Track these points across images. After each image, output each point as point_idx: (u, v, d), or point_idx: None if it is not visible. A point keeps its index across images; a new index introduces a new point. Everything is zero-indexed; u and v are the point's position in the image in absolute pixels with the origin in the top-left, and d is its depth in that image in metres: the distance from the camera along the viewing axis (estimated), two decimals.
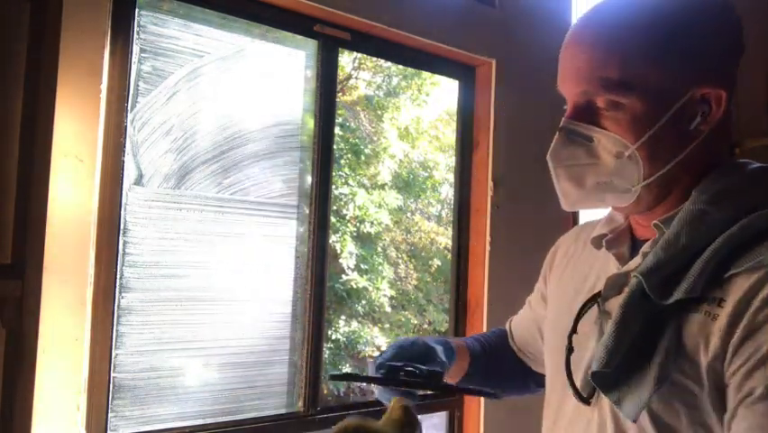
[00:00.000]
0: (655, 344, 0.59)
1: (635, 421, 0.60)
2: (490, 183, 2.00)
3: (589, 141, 0.66)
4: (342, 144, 6.62)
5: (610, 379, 0.62)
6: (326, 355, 6.05)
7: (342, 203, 6.36)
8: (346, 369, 6.27)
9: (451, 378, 0.93)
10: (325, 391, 6.02)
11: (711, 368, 0.56)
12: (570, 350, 0.71)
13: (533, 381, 1.01)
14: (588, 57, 0.65)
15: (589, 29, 0.66)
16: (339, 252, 6.22)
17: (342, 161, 6.58)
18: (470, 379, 0.96)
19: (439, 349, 0.85)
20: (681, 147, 0.64)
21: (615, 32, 0.64)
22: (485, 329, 1.97)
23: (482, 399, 1.95)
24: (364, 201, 6.40)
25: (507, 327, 1.07)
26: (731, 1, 0.67)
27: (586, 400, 0.67)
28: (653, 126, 0.63)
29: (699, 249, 0.59)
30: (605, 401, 0.65)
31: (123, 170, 1.39)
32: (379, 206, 6.56)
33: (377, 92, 7.36)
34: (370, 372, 0.80)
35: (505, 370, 1.02)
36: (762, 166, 0.66)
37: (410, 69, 6.54)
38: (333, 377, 0.86)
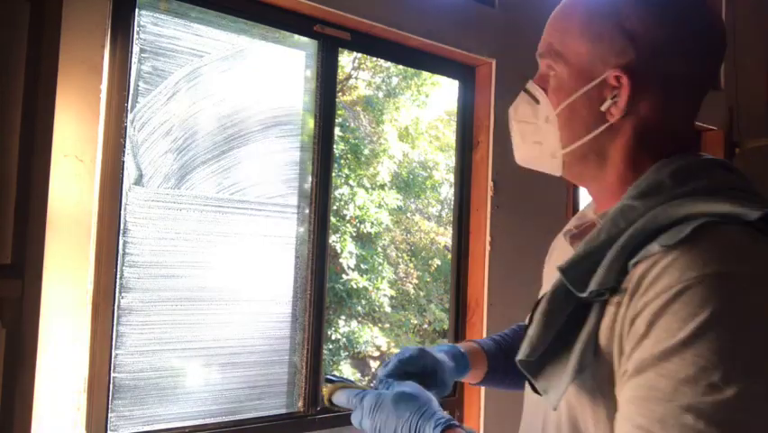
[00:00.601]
0: (577, 335, 0.61)
1: (554, 409, 0.62)
2: (490, 183, 2.00)
3: (536, 102, 0.72)
4: (342, 144, 6.62)
5: (537, 368, 0.64)
6: (326, 356, 6.05)
7: (343, 203, 6.36)
8: (346, 366, 6.26)
9: (471, 379, 0.95)
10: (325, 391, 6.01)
11: (617, 357, 0.57)
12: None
13: None
14: (547, 31, 0.71)
15: (556, 10, 0.72)
16: (339, 252, 6.22)
17: (342, 161, 6.58)
18: (491, 377, 0.96)
19: (448, 365, 0.85)
20: (593, 125, 0.67)
21: (569, 7, 0.69)
22: (485, 329, 1.97)
23: (483, 398, 1.95)
24: (364, 201, 6.40)
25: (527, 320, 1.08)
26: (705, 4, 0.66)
27: (538, 391, 0.68)
28: (570, 97, 0.67)
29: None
30: None
31: (123, 170, 1.39)
32: (379, 206, 6.56)
33: (377, 92, 7.36)
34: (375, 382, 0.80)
35: None
36: (703, 159, 0.65)
37: (410, 69, 6.54)
38: (327, 380, 0.82)
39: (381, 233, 6.87)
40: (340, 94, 6.99)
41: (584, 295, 0.60)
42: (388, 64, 6.83)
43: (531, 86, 0.73)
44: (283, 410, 1.64)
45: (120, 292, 1.40)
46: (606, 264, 0.59)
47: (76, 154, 1.27)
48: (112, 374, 1.37)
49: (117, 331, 1.39)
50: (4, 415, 1.18)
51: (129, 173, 1.42)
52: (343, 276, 6.34)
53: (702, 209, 0.56)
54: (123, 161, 1.39)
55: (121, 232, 1.39)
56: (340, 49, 1.78)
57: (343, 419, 1.72)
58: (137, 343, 1.43)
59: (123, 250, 1.41)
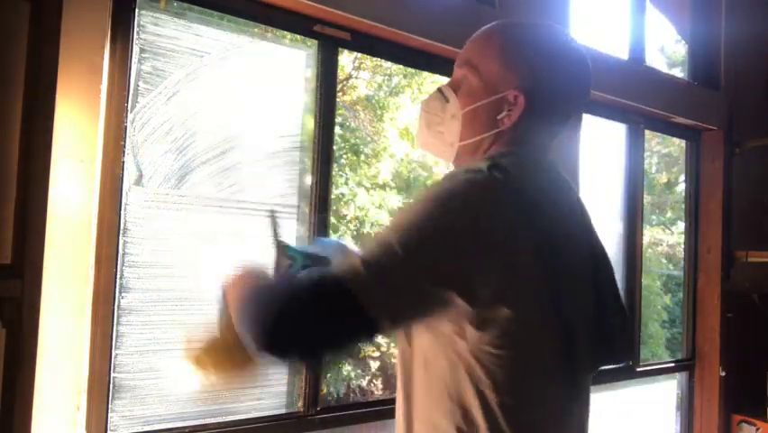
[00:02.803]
0: None
1: None
2: None
3: (446, 101, 0.90)
4: (342, 144, 6.62)
5: None
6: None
7: (343, 203, 6.35)
8: (346, 368, 6.26)
9: None
10: (324, 391, 6.01)
11: None
12: None
13: None
14: (468, 47, 0.91)
15: (479, 33, 0.92)
16: None
17: (343, 161, 6.57)
18: None
19: None
20: (488, 128, 0.87)
21: (492, 33, 0.90)
22: None
23: None
24: (364, 202, 6.39)
25: None
26: (581, 60, 0.88)
27: None
28: (476, 103, 0.87)
29: None
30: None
31: (123, 170, 1.39)
32: (380, 207, 6.56)
33: (377, 92, 7.35)
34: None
35: None
36: (510, 151, 0.85)
37: (411, 69, 6.53)
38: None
39: None
40: (340, 94, 6.98)
41: None
42: (389, 64, 6.82)
43: (445, 88, 0.91)
44: (283, 410, 1.64)
45: (120, 292, 1.40)
46: None
47: (76, 155, 1.26)
48: (112, 374, 1.37)
49: (117, 331, 1.39)
50: (4, 415, 1.18)
51: (129, 173, 1.42)
52: None
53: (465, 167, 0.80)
54: (124, 162, 1.39)
55: (121, 232, 1.39)
56: (340, 49, 1.78)
57: (343, 419, 1.72)
58: (137, 343, 1.43)
59: (123, 250, 1.41)
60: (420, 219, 0.72)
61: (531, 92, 0.84)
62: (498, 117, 0.85)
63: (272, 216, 1.05)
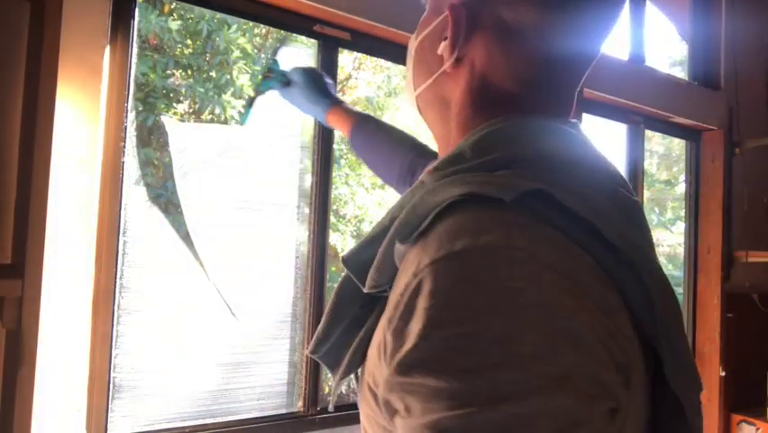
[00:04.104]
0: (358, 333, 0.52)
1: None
2: None
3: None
4: (342, 144, 6.62)
5: (333, 361, 0.55)
6: None
7: (343, 203, 6.36)
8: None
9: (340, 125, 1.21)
10: (327, 390, 6.01)
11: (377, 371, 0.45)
12: None
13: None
14: None
15: None
16: (340, 251, 6.21)
17: (342, 161, 6.58)
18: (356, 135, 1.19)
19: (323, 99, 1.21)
20: (433, 69, 0.54)
21: None
22: None
23: None
24: (364, 201, 6.39)
25: None
26: None
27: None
28: (424, 30, 0.55)
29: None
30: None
31: (123, 170, 1.39)
32: (380, 205, 6.56)
33: (377, 92, 7.36)
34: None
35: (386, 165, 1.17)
36: (530, 123, 0.49)
37: None
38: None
39: None
40: (340, 94, 6.97)
41: (365, 291, 0.49)
42: (389, 64, 6.82)
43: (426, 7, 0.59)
44: (283, 410, 1.64)
45: (120, 292, 1.40)
46: (375, 264, 0.48)
47: (76, 155, 1.26)
48: (112, 374, 1.37)
49: (117, 331, 1.39)
50: (4, 415, 1.18)
51: (129, 173, 1.42)
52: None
53: (459, 191, 0.42)
54: (123, 162, 1.39)
55: (121, 232, 1.39)
56: (340, 49, 1.78)
57: (343, 419, 1.72)
58: (137, 343, 1.43)
59: (123, 250, 1.41)
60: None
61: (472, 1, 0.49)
62: (438, 52, 0.52)
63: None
